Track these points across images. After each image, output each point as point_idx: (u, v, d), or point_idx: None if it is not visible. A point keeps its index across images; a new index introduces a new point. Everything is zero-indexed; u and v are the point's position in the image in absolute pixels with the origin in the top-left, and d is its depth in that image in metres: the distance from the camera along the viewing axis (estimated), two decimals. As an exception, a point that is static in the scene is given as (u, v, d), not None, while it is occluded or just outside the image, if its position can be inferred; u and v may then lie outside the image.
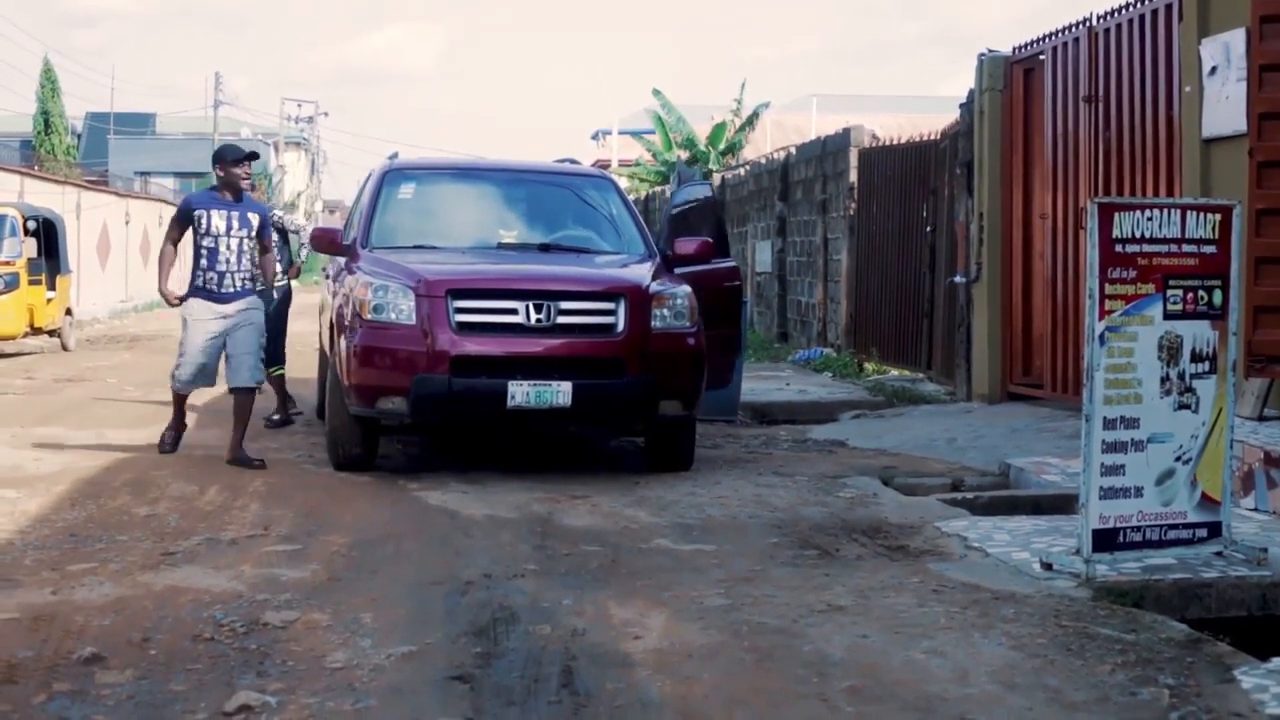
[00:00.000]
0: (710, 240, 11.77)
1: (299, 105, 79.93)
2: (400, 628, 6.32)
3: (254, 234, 11.20)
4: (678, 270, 11.23)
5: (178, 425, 11.62)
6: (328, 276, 12.90)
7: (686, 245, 11.48)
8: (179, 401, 11.57)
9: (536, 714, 5.23)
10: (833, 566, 7.55)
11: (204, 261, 11.06)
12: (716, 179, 30.56)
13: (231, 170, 11.14)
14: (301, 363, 17.82)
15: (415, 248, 11.27)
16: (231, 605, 6.66)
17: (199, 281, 11.07)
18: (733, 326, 12.33)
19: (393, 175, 12.17)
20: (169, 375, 11.54)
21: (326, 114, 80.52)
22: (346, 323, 10.40)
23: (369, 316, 10.13)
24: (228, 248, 11.03)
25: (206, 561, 7.61)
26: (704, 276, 11.74)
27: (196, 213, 11.07)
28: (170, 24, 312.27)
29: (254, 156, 11.38)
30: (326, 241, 11.73)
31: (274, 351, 13.20)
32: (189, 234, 11.29)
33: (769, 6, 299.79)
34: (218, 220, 11.04)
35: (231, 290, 11.08)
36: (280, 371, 13.82)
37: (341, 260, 11.69)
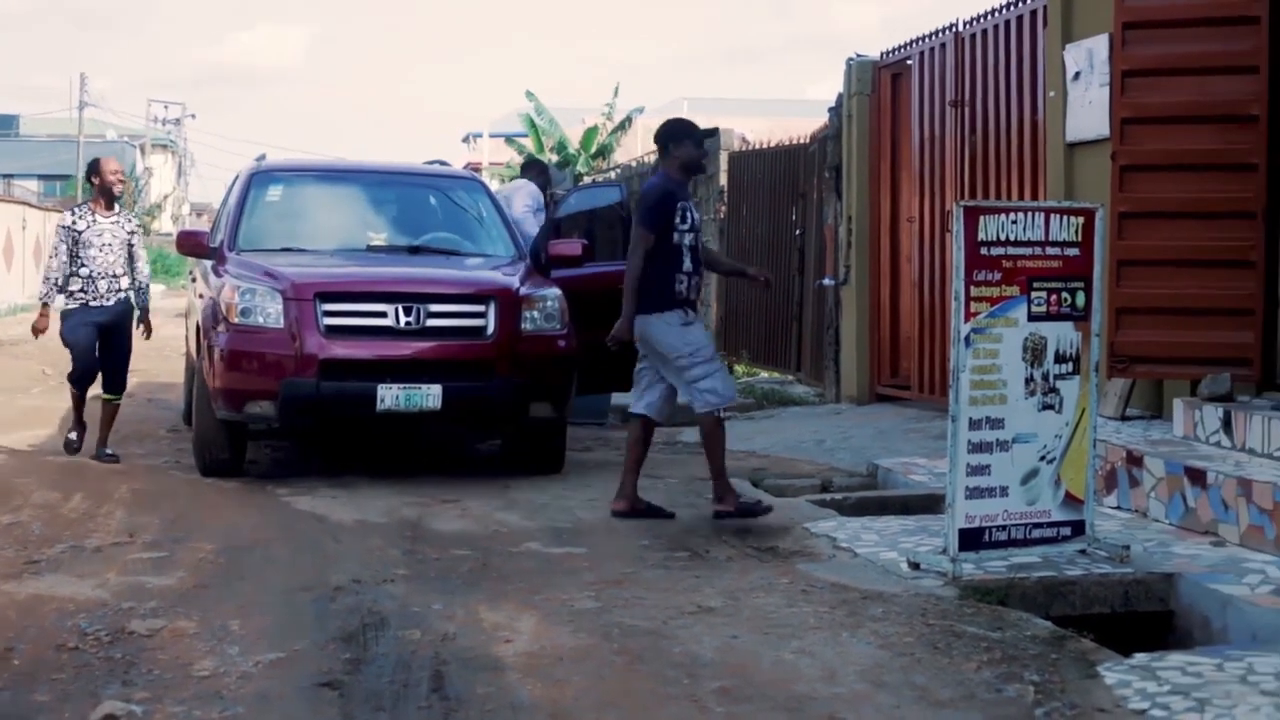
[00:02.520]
0: (587, 243, 11.68)
1: (165, 107, 79.12)
2: (269, 634, 6.26)
3: None
4: (557, 273, 11.17)
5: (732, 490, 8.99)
6: (194, 280, 12.75)
7: (564, 247, 11.42)
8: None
9: (406, 719, 5.20)
10: (703, 568, 7.58)
11: (686, 263, 9.05)
12: (586, 182, 30.56)
13: (694, 152, 9.25)
14: (168, 367, 17.62)
15: (283, 250, 11.17)
16: (97, 614, 6.57)
17: (680, 287, 9.03)
18: None
19: (260, 177, 12.05)
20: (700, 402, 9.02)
21: (194, 115, 79.81)
22: (213, 326, 10.28)
23: (236, 320, 10.03)
24: (697, 243, 9.19)
25: (71, 570, 7.50)
26: (600, 278, 11.70)
27: (681, 205, 9.05)
28: (32, 22, 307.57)
29: (710, 134, 9.47)
30: (193, 244, 11.58)
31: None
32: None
33: (640, 9, 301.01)
34: (695, 214, 9.19)
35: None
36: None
37: (208, 263, 11.54)
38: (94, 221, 11.21)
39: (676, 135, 9.22)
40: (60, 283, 11.20)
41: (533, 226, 13.28)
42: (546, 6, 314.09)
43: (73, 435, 11.39)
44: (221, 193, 14.37)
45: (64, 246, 11.15)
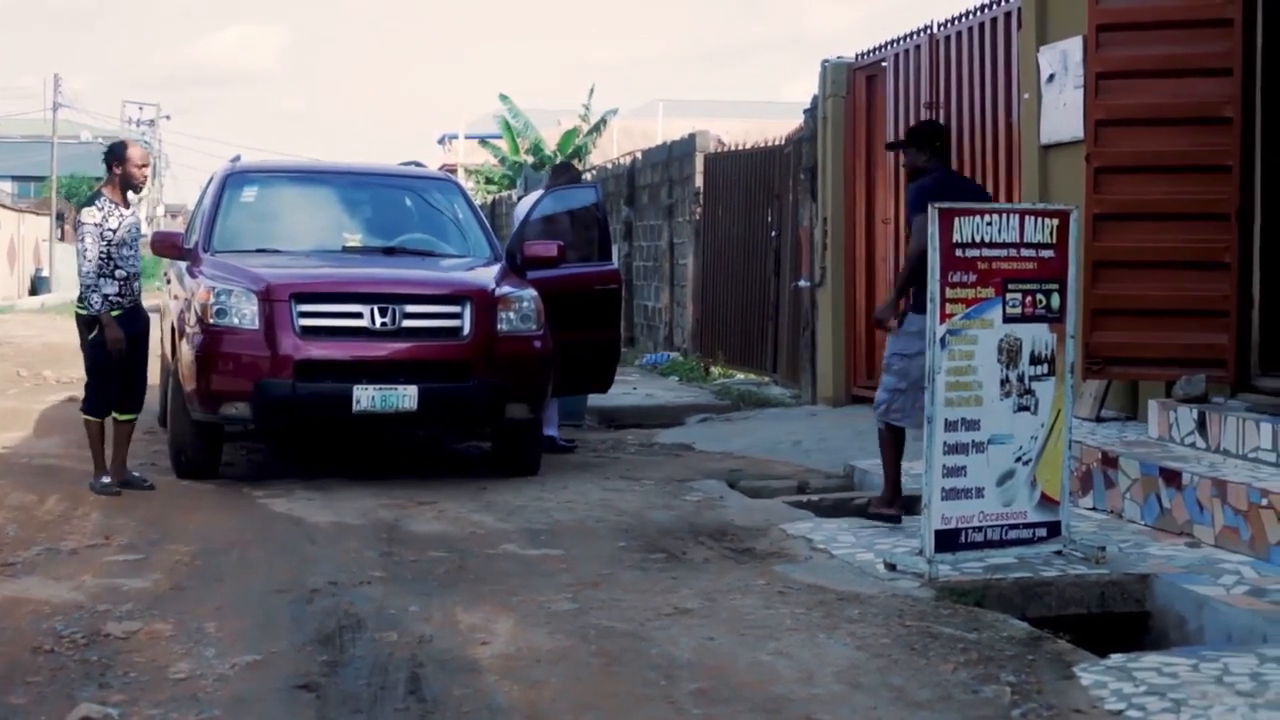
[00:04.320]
0: (563, 244, 11.66)
1: (140, 108, 78.62)
2: (245, 637, 6.25)
3: None
4: (533, 274, 11.15)
5: None
6: (168, 281, 12.71)
7: (540, 248, 11.40)
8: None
9: (383, 721, 5.20)
10: (680, 570, 7.58)
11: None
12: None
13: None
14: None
15: (258, 251, 11.13)
16: (72, 616, 6.55)
17: None
18: (610, 329, 12.16)
19: (235, 178, 12.00)
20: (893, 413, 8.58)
21: (169, 116, 79.37)
22: (188, 327, 10.23)
23: (211, 321, 9.99)
24: None
25: (46, 572, 7.48)
26: (577, 279, 11.69)
27: None
28: (10, 23, 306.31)
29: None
30: (168, 245, 11.52)
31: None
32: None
33: (616, 10, 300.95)
34: None
35: None
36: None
37: (183, 265, 11.50)
38: (122, 217, 9.84)
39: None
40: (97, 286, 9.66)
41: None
42: (522, 9, 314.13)
43: (106, 479, 9.85)
44: (196, 194, 14.29)
45: (99, 247, 9.65)
